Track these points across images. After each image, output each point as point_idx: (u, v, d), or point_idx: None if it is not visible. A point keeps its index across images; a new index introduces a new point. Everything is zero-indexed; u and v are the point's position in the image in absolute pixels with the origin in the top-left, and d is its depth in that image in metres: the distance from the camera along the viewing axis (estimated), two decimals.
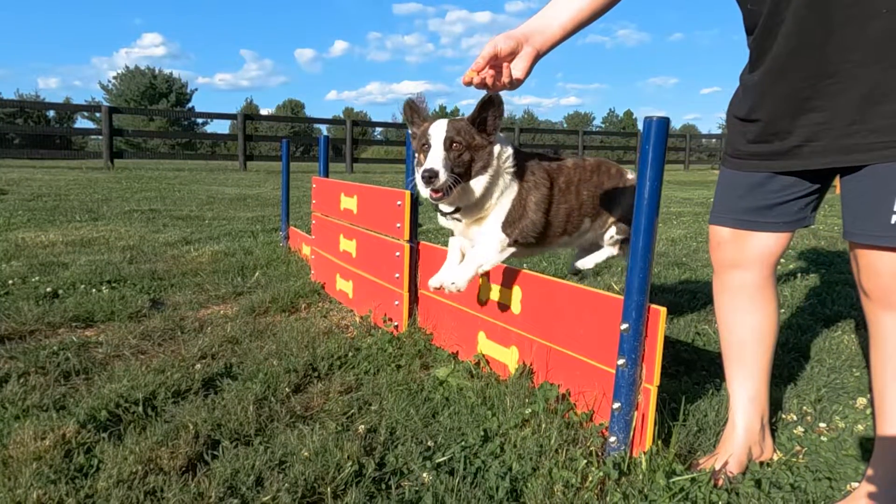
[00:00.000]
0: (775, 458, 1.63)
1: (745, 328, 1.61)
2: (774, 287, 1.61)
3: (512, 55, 1.43)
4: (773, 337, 1.63)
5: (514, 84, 1.46)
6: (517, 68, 1.43)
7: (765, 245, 1.55)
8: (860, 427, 1.82)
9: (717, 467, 1.51)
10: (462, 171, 1.72)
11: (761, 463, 1.60)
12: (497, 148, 1.79)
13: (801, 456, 1.66)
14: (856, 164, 1.32)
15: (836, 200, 9.62)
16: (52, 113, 37.73)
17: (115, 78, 45.67)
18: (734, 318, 1.63)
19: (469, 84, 1.44)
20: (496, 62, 1.43)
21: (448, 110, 55.19)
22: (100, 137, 14.22)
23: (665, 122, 1.39)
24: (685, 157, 24.40)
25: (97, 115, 16.01)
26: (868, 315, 1.38)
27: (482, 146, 1.76)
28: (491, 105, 1.70)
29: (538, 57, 1.45)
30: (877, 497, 1.36)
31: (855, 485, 1.49)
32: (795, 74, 1.36)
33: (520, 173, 1.86)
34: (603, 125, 62.29)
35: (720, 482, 1.47)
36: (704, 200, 9.62)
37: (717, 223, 1.61)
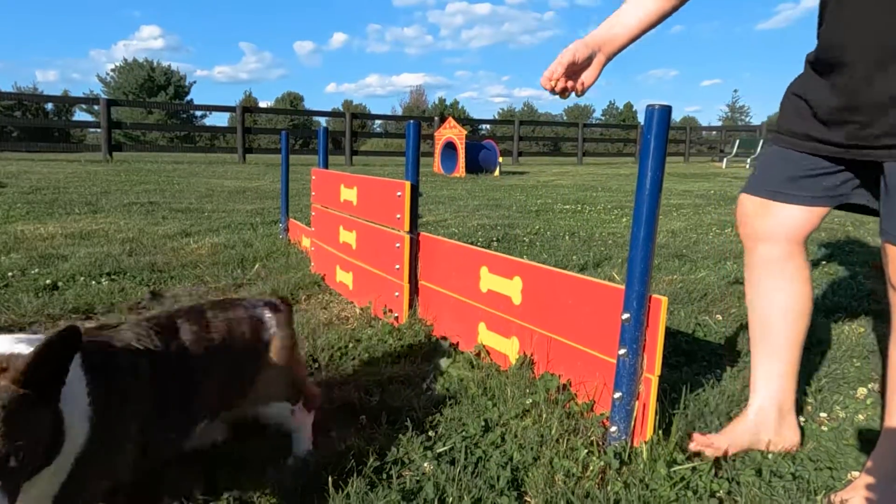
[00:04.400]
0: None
1: (769, 305, 1.58)
2: (804, 266, 1.57)
3: (588, 61, 1.47)
4: (802, 319, 1.57)
5: (584, 91, 1.49)
6: (589, 76, 1.48)
7: (790, 217, 1.52)
8: (860, 417, 1.82)
9: (717, 444, 1.51)
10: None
11: (763, 452, 1.59)
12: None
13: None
14: (866, 158, 1.33)
15: None
16: (50, 106, 37.59)
17: (113, 71, 45.59)
18: (758, 293, 1.60)
19: (547, 89, 1.45)
20: (573, 69, 1.46)
21: (447, 103, 54.95)
22: (98, 130, 14.17)
23: (667, 110, 1.38)
24: (685, 150, 24.34)
25: (95, 107, 15.92)
26: (893, 308, 1.38)
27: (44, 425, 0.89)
28: (64, 345, 0.88)
29: (607, 62, 1.51)
30: (877, 488, 1.36)
31: (855, 474, 1.49)
32: (845, 58, 1.35)
33: (94, 421, 0.99)
34: (603, 118, 62.19)
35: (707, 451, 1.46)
36: (705, 192, 9.61)
37: (745, 192, 1.60)
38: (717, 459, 1.52)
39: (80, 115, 44.23)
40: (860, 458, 1.59)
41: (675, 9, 1.52)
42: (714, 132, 30.04)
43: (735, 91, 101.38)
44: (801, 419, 1.79)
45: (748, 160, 19.90)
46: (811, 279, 1.60)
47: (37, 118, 33.10)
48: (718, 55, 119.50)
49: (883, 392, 1.51)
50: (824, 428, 1.75)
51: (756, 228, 1.58)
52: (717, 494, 1.39)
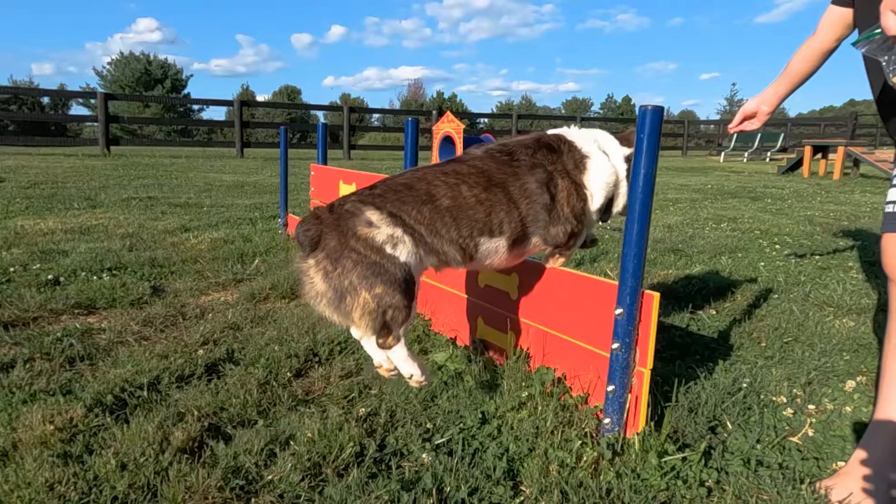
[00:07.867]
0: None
1: None
2: None
3: (755, 113, 2.06)
4: None
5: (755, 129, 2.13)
6: (757, 122, 2.08)
7: None
8: (848, 409, 1.87)
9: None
10: None
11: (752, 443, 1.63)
12: None
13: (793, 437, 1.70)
14: None
15: (832, 187, 9.65)
16: (46, 99, 37.36)
17: (109, 64, 45.19)
18: None
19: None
20: (747, 117, 2.09)
21: (446, 96, 54.86)
22: (95, 124, 14.12)
23: (659, 111, 1.41)
24: (683, 144, 24.36)
25: (92, 101, 15.87)
26: (891, 300, 1.46)
27: None
28: None
29: (771, 113, 2.06)
30: (865, 476, 1.40)
31: (841, 464, 1.54)
32: None
33: None
34: (601, 111, 62.12)
35: None
36: (702, 187, 9.64)
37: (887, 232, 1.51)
38: (706, 450, 1.56)
39: (76, 109, 44.07)
40: (846, 449, 1.63)
41: (817, 69, 1.96)
42: (712, 126, 30.06)
43: (734, 84, 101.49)
44: (790, 411, 1.83)
45: (745, 154, 19.94)
46: None
47: (33, 112, 32.93)
48: (718, 48, 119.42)
49: (877, 382, 1.55)
50: (812, 419, 1.80)
51: None
52: (707, 484, 1.43)
